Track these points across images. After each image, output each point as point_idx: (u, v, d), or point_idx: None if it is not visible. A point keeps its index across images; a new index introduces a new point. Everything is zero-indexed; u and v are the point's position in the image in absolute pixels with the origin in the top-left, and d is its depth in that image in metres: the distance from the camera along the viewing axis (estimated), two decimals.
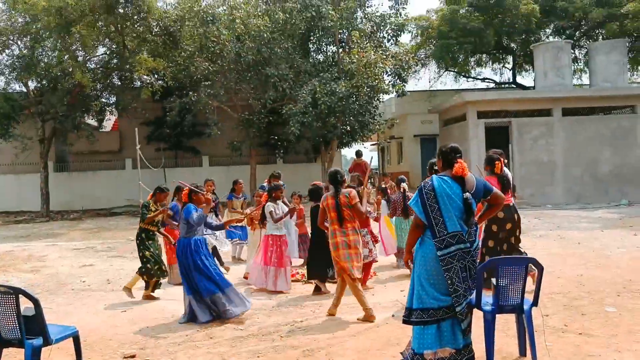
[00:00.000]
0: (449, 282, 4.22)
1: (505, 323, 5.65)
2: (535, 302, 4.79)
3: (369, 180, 16.16)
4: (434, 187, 4.32)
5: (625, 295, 6.97)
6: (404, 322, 4.47)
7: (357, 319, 6.32)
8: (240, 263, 10.50)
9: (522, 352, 4.92)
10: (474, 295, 4.49)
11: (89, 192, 24.61)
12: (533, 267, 4.89)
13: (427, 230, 4.38)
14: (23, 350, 4.30)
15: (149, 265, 7.80)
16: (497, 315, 4.68)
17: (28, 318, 4.31)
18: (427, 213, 4.32)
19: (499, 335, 5.08)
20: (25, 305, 4.31)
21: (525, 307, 4.71)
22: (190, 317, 6.61)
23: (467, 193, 4.30)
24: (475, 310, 4.74)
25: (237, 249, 11.06)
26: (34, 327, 4.33)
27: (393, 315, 6.40)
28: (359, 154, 16.88)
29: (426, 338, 4.28)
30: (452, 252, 4.24)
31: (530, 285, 5.52)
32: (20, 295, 4.24)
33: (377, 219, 9.42)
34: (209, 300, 6.57)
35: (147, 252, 7.87)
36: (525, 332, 4.77)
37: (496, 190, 4.61)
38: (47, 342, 4.37)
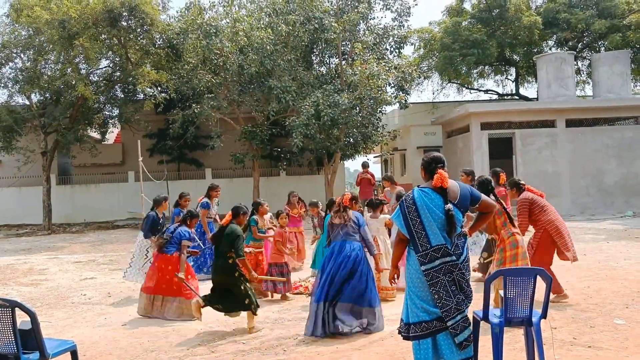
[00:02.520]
0: (436, 296, 4.12)
1: (513, 336, 5.54)
2: (544, 314, 4.66)
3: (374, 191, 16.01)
4: (414, 200, 4.23)
5: (633, 307, 6.86)
6: (404, 338, 4.38)
7: None
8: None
9: None
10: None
11: (91, 205, 24.62)
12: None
13: (411, 244, 4.29)
14: None
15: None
16: (504, 328, 4.56)
17: (24, 332, 4.20)
18: (408, 227, 4.23)
19: (506, 349, 4.97)
20: (22, 319, 4.22)
21: (534, 319, 4.58)
22: (314, 329, 6.14)
23: (449, 204, 4.17)
24: (482, 323, 4.64)
25: None
26: (30, 341, 4.22)
27: (399, 330, 6.28)
28: (365, 165, 16.77)
29: (422, 352, 4.19)
30: (436, 266, 4.14)
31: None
32: (16, 309, 4.14)
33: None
34: (349, 309, 6.15)
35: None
36: (534, 346, 4.63)
37: (485, 197, 4.50)
38: (44, 356, 4.27)
